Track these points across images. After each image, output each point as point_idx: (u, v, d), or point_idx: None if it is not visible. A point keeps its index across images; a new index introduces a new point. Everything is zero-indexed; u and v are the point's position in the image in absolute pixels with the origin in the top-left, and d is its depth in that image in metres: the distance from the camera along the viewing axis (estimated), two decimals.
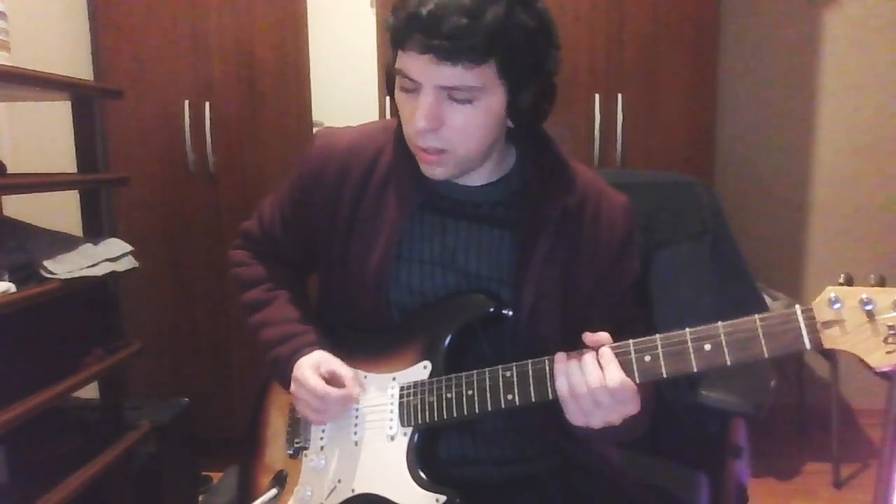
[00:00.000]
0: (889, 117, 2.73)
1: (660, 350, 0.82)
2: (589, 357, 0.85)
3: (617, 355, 0.85)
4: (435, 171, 0.95)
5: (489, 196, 1.01)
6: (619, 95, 2.28)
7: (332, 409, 0.99)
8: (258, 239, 1.15)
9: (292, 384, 1.01)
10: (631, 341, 0.84)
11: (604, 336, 0.86)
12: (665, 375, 0.82)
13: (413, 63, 0.87)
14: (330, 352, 1.04)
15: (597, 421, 0.85)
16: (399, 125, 1.01)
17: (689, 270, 1.43)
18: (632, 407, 0.85)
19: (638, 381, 0.83)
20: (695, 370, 0.80)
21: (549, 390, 0.88)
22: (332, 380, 0.99)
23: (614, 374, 0.83)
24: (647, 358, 0.83)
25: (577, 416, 0.86)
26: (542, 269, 0.97)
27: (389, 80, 0.95)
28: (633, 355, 0.84)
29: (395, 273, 1.01)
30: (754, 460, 2.46)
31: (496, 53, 0.84)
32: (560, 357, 0.87)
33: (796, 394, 2.75)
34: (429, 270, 1.01)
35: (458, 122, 0.89)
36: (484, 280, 1.00)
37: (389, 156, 1.03)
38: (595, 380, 0.83)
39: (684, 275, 1.42)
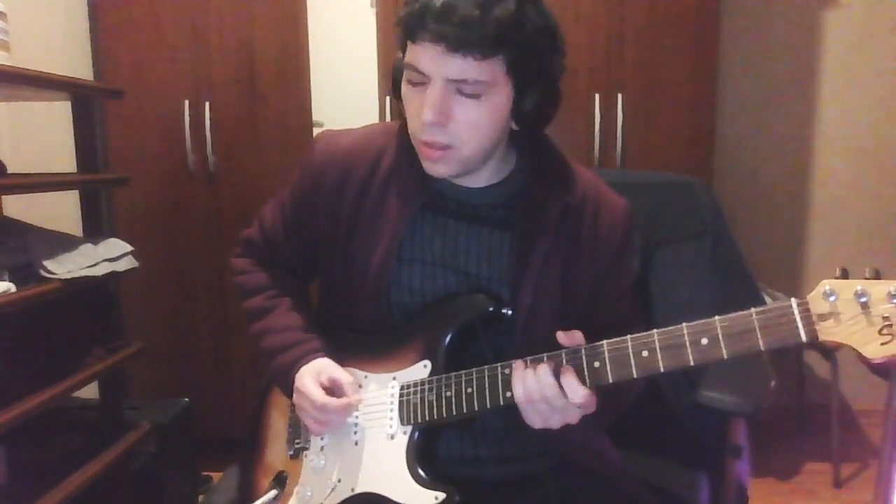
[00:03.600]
0: (889, 117, 2.73)
1: (657, 345, 0.82)
2: (544, 365, 0.87)
3: (614, 350, 0.85)
4: (438, 168, 0.94)
5: (490, 198, 1.02)
6: (619, 95, 2.28)
7: (333, 419, 0.99)
8: (260, 246, 1.14)
9: (294, 394, 1.01)
10: (629, 336, 0.85)
11: (577, 335, 0.88)
12: (663, 370, 0.82)
13: (423, 54, 0.88)
14: (331, 354, 1.04)
15: (555, 423, 0.89)
16: (401, 127, 1.01)
17: (689, 270, 1.43)
18: (588, 408, 0.88)
19: (636, 375, 0.84)
20: (692, 364, 0.81)
21: None
22: (333, 387, 0.99)
23: (571, 382, 0.85)
24: (645, 353, 0.83)
25: (535, 420, 0.89)
26: (541, 270, 0.98)
27: (395, 78, 0.96)
28: (630, 350, 0.84)
29: (395, 274, 1.01)
30: (754, 460, 2.46)
31: (505, 47, 0.86)
32: (518, 364, 0.89)
33: (796, 394, 2.75)
34: (429, 271, 1.01)
35: (465, 118, 0.89)
36: (484, 281, 1.00)
37: (391, 157, 1.03)
38: (550, 386, 0.86)
39: (684, 275, 1.42)
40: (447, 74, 0.87)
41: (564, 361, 0.88)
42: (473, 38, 0.83)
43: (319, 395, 0.97)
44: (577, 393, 0.85)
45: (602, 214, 1.02)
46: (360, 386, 1.02)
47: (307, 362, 1.01)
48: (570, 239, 1.00)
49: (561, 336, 0.88)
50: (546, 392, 0.86)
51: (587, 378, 0.86)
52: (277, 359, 1.04)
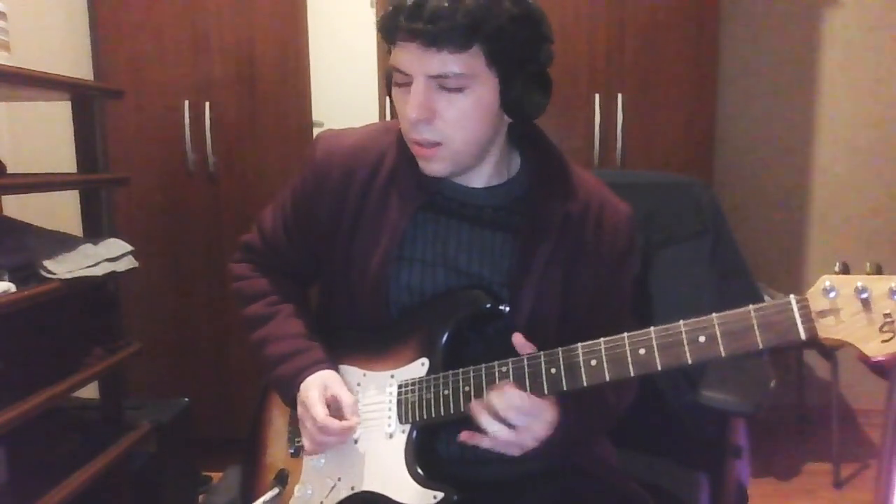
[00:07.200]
0: (889, 117, 2.73)
1: (654, 343, 0.81)
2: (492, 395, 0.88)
3: (611, 348, 0.84)
4: (432, 166, 0.95)
5: (492, 199, 1.01)
6: (619, 95, 2.28)
7: (331, 441, 0.98)
8: (260, 250, 1.14)
9: (299, 407, 1.00)
10: (626, 334, 0.84)
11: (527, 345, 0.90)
12: (660, 368, 0.81)
13: (402, 54, 0.89)
14: (330, 353, 1.04)
15: (529, 442, 0.89)
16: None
17: (689, 270, 1.43)
18: (548, 414, 0.88)
19: (632, 373, 0.83)
20: (689, 362, 0.79)
21: (545, 385, 0.88)
22: (334, 405, 0.99)
23: (512, 395, 0.86)
24: (642, 351, 0.82)
25: (511, 450, 0.90)
26: (543, 274, 0.97)
27: (388, 84, 0.96)
28: (627, 348, 0.83)
29: (395, 273, 1.01)
30: (754, 460, 2.46)
31: (480, 38, 0.86)
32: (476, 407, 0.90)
33: (796, 394, 2.75)
34: (429, 271, 1.01)
35: (451, 113, 0.90)
36: (485, 282, 1.00)
37: (393, 157, 1.03)
38: (504, 406, 0.87)
39: (684, 275, 1.42)
40: (427, 71, 0.88)
41: (512, 375, 0.89)
42: (445, 31, 0.84)
43: (322, 415, 0.96)
44: (513, 396, 0.86)
45: (605, 221, 1.02)
46: (359, 384, 1.02)
47: (312, 373, 1.01)
48: (573, 244, 0.99)
49: (518, 339, 0.89)
50: (503, 410, 0.87)
51: (545, 384, 0.87)
52: (280, 368, 1.03)
